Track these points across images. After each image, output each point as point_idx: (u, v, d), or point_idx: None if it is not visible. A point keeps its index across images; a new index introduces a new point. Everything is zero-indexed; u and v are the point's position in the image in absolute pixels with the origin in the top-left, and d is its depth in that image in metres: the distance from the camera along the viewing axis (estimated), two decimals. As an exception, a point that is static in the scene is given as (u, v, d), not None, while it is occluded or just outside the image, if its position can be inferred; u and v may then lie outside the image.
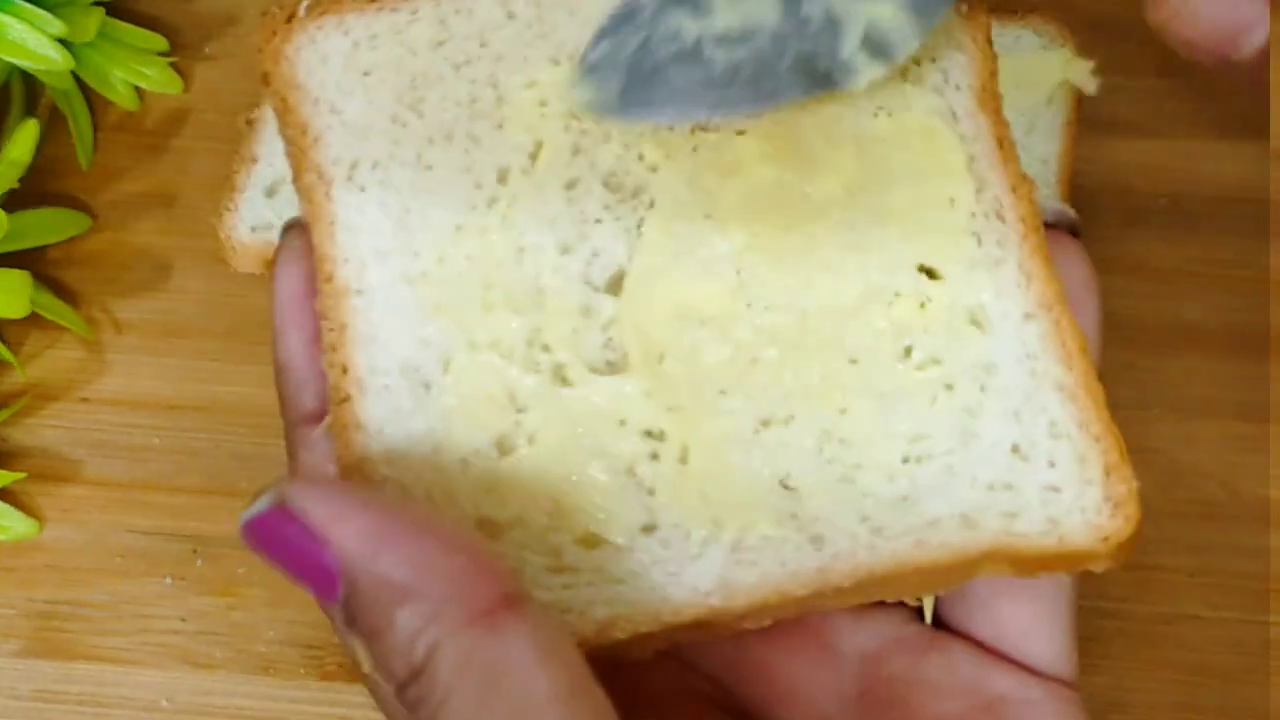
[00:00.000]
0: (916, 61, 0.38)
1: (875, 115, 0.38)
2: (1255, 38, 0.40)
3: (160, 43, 0.58)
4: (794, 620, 0.35)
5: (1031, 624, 0.37)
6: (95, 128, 0.58)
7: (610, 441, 0.35)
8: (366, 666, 0.30)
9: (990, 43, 0.39)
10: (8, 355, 0.53)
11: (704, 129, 0.37)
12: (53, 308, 0.53)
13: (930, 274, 0.37)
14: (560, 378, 0.35)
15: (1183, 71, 0.57)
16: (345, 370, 0.35)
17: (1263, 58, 0.40)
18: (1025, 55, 0.55)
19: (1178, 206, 0.56)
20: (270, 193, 0.54)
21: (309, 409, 0.36)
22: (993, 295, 0.36)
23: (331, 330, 0.36)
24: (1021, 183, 0.37)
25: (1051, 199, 0.52)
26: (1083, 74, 0.53)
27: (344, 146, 0.37)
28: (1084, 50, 0.55)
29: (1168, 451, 0.51)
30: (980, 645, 0.37)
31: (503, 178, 0.37)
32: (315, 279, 0.36)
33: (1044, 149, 0.53)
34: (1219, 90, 0.58)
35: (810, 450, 0.35)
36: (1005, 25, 0.55)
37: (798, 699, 0.38)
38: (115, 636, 0.49)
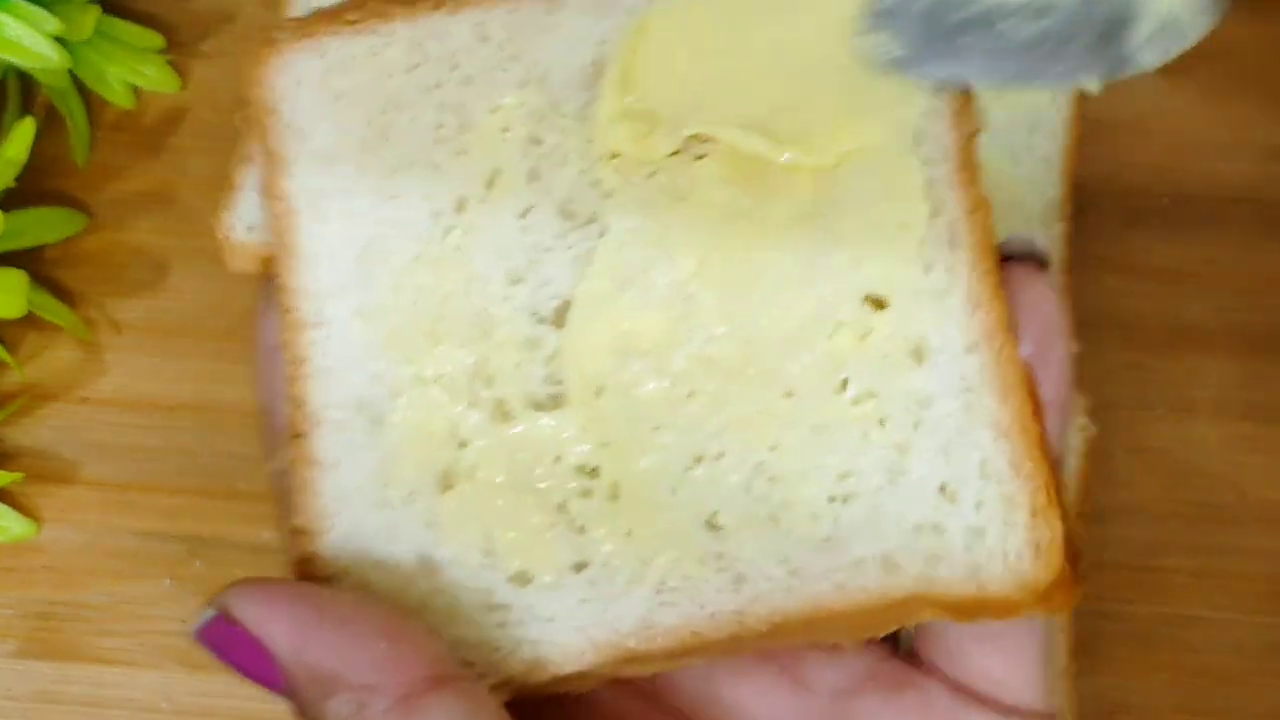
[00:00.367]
0: None
1: None
2: None
3: (157, 40, 0.58)
4: (764, 655, 0.35)
5: (1000, 659, 0.36)
6: (92, 126, 0.58)
7: (544, 478, 0.34)
8: None
9: None
10: (5, 355, 0.53)
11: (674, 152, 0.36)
12: (50, 307, 0.53)
13: (878, 303, 0.35)
14: (502, 413, 0.35)
15: (1183, 71, 0.57)
16: (301, 405, 0.35)
17: None
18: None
19: (1178, 206, 0.56)
20: (269, 192, 0.54)
21: None
22: (935, 326, 0.34)
23: (291, 364, 0.35)
24: (979, 206, 0.35)
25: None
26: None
27: (310, 175, 0.36)
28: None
29: (1170, 452, 0.51)
30: (954, 682, 0.37)
31: (461, 206, 0.36)
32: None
33: (1046, 148, 0.54)
34: (1219, 90, 0.58)
35: (738, 487, 0.34)
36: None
37: None
38: (113, 637, 0.49)
